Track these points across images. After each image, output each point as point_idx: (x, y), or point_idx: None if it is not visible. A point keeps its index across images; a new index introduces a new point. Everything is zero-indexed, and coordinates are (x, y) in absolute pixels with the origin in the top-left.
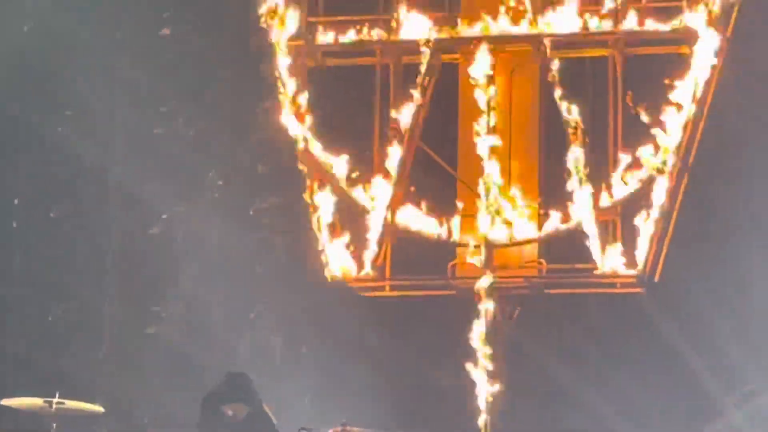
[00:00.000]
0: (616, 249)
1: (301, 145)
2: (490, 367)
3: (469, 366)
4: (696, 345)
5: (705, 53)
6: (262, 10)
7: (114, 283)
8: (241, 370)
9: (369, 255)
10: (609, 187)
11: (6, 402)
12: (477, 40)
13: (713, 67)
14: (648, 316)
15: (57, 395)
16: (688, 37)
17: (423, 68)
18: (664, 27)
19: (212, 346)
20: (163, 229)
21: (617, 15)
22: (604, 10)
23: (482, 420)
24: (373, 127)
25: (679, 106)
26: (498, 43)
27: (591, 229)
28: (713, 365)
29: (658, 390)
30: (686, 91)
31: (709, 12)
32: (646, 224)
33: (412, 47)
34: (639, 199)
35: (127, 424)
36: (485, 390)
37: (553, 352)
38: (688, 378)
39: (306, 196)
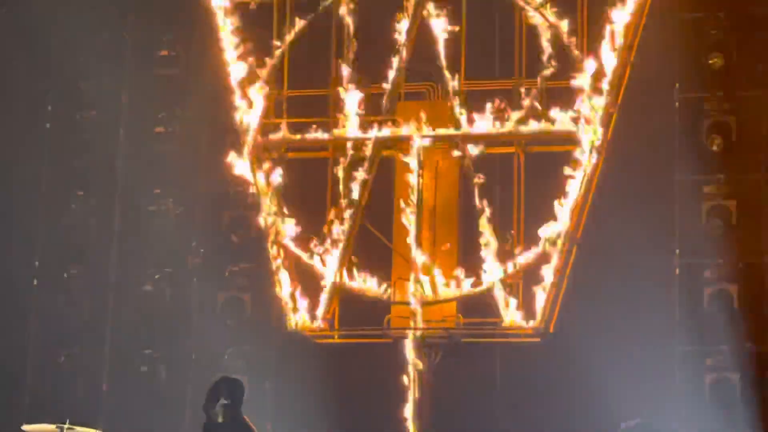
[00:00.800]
0: (518, 307)
1: (269, 222)
2: (417, 401)
3: (399, 401)
4: (586, 384)
5: (588, 154)
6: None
7: (113, 329)
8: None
9: (321, 310)
10: (513, 258)
11: (26, 427)
12: (409, 139)
13: (594, 165)
14: (546, 361)
15: (67, 422)
16: (575, 139)
17: (367, 160)
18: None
19: (192, 381)
20: (154, 286)
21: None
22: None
23: None
24: (326, 208)
25: (567, 194)
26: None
27: (498, 291)
28: (599, 399)
29: (553, 420)
30: (576, 180)
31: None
32: (543, 287)
33: (357, 143)
34: (537, 268)
35: None
36: (412, 417)
37: (469, 388)
38: (577, 412)
39: (271, 262)
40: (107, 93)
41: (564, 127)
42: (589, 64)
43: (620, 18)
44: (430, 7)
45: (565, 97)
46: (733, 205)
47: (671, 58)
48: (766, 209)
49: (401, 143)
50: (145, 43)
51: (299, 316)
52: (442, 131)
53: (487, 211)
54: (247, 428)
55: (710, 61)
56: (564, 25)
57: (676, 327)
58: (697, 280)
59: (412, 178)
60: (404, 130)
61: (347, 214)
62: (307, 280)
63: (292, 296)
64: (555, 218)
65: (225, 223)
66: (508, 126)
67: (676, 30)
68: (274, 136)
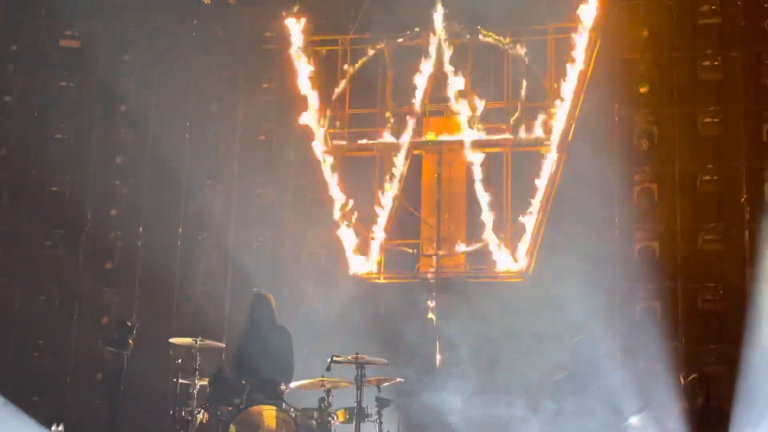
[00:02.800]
0: (508, 256)
1: (337, 200)
2: (437, 322)
3: (426, 320)
4: (551, 307)
5: (554, 153)
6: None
7: (232, 274)
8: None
9: (372, 260)
10: (504, 222)
11: (172, 340)
12: (431, 144)
13: (558, 159)
14: (526, 292)
15: (200, 337)
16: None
17: (402, 156)
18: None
19: (285, 310)
20: (260, 244)
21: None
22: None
23: (437, 352)
24: (374, 190)
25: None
26: (444, 144)
27: (494, 246)
28: (560, 316)
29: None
30: (546, 171)
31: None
32: (524, 243)
33: (396, 146)
34: (520, 229)
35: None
36: (436, 334)
37: (474, 312)
38: (546, 324)
39: (339, 225)
40: (228, 112)
41: (537, 135)
42: (556, 90)
43: (578, 56)
44: (446, 54)
45: (539, 112)
46: (655, 187)
47: (612, 86)
48: (678, 191)
49: (425, 146)
50: (254, 78)
51: (357, 264)
52: (453, 137)
53: (485, 194)
54: (284, 330)
55: (640, 88)
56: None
57: (615, 270)
58: (630, 239)
59: (431, 171)
60: (428, 136)
61: (389, 194)
62: (363, 239)
63: (353, 251)
64: (532, 197)
65: (308, 201)
66: (500, 134)
67: (616, 66)
68: (338, 142)
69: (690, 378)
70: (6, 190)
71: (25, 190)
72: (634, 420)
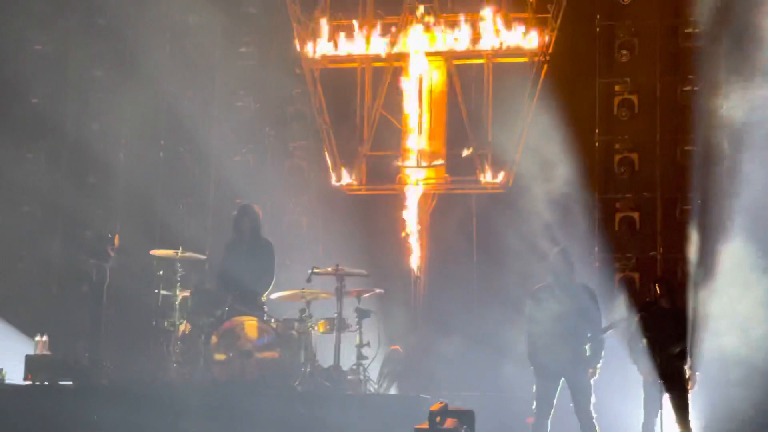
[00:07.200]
0: (489, 168)
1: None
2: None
3: (405, 231)
4: (529, 213)
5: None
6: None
7: (214, 186)
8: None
9: (354, 172)
10: (486, 135)
11: (153, 252)
12: (413, 55)
13: (538, 70)
14: (506, 202)
15: (180, 248)
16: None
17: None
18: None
19: (268, 220)
20: (242, 157)
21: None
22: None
23: (415, 264)
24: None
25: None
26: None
27: (475, 157)
28: (536, 222)
29: (509, 235)
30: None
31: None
32: (505, 154)
33: (377, 57)
34: (501, 140)
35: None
36: (416, 244)
37: (455, 220)
38: (523, 231)
39: (323, 139)
40: (208, 24)
41: (518, 43)
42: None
43: None
44: None
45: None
46: (635, 98)
47: None
48: (658, 103)
49: (407, 57)
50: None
51: (338, 176)
52: (435, 48)
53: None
54: (267, 243)
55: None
56: None
57: (594, 181)
58: (610, 151)
59: (412, 83)
60: (409, 47)
61: (371, 105)
62: (344, 150)
63: (334, 162)
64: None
65: (288, 114)
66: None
67: None
68: (319, 53)
69: (654, 279)
70: None
71: (5, 103)
72: (612, 329)
